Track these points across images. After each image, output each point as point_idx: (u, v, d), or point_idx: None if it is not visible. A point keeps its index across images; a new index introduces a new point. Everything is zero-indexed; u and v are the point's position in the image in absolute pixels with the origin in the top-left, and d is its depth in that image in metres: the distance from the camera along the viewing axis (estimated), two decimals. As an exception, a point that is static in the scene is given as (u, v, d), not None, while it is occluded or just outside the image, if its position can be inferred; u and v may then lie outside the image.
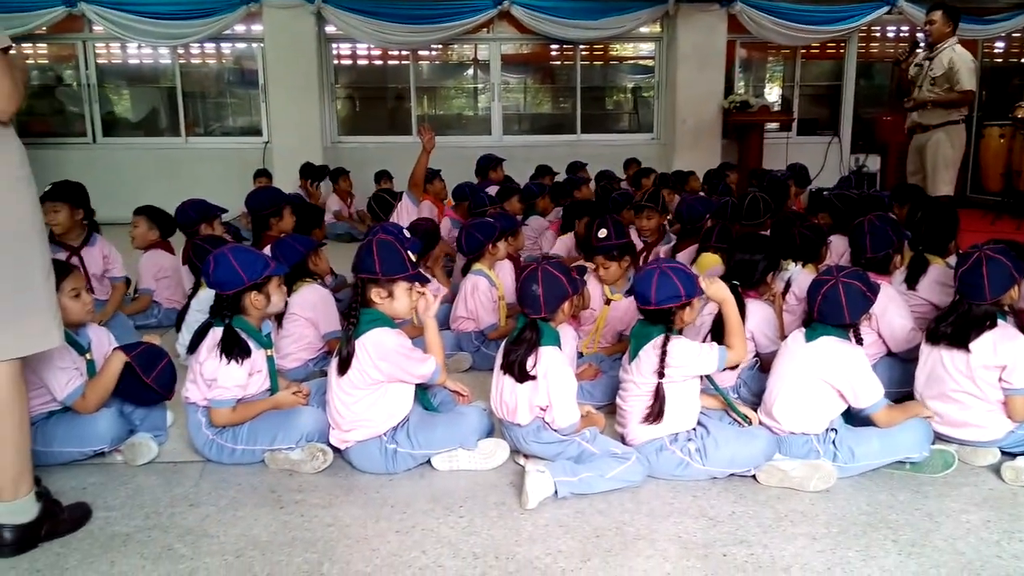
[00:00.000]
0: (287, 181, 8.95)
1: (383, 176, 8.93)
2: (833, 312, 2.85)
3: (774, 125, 10.57)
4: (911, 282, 3.83)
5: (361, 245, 2.94)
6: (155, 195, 9.52)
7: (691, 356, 2.83)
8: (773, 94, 11.46)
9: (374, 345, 2.79)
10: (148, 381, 2.98)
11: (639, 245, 5.26)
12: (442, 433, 2.90)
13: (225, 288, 2.94)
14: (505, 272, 4.43)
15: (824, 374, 2.83)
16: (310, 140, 9.74)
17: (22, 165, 2.26)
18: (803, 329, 2.94)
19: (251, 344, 2.95)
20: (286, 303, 3.32)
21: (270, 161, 9.84)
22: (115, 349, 3.03)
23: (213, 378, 2.89)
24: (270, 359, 3.08)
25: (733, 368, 3.11)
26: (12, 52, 2.20)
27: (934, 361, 2.99)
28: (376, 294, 2.87)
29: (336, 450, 2.95)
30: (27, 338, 2.26)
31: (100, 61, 10.31)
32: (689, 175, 7.97)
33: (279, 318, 3.57)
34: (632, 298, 3.93)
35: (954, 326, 2.91)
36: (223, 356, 2.87)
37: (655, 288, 2.82)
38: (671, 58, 10.31)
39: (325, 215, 8.00)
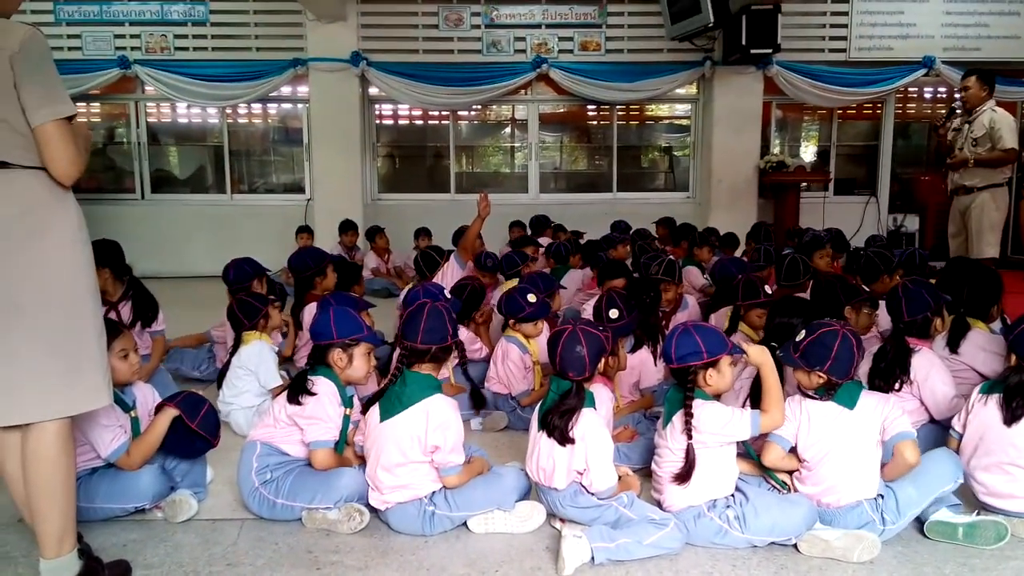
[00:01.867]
0: (328, 237, 9.10)
1: (422, 233, 9.02)
2: (844, 368, 2.79)
3: (811, 185, 10.54)
4: (952, 346, 3.77)
5: (413, 312, 3.00)
6: (200, 250, 9.90)
7: (720, 421, 2.78)
8: (809, 154, 11.46)
9: (437, 414, 2.83)
10: (194, 427, 3.05)
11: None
12: (480, 495, 2.89)
13: (317, 339, 3.20)
14: (540, 337, 4.41)
15: (873, 432, 2.77)
16: (351, 197, 9.91)
17: (81, 228, 2.35)
18: (830, 400, 2.84)
19: (333, 398, 3.11)
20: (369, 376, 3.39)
21: (312, 217, 10.02)
22: (160, 404, 3.09)
23: (313, 416, 3.03)
24: (346, 419, 3.16)
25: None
26: (76, 120, 2.31)
27: (986, 429, 2.92)
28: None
29: (373, 510, 2.95)
30: (79, 397, 2.31)
31: (150, 120, 10.62)
32: (722, 237, 7.85)
33: None
34: (635, 353, 3.97)
35: (1014, 396, 2.84)
36: (291, 397, 3.06)
37: (675, 346, 2.81)
38: (707, 118, 10.39)
39: (363, 271, 8.15)
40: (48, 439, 2.27)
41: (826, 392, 2.84)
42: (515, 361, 4.21)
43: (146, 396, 3.22)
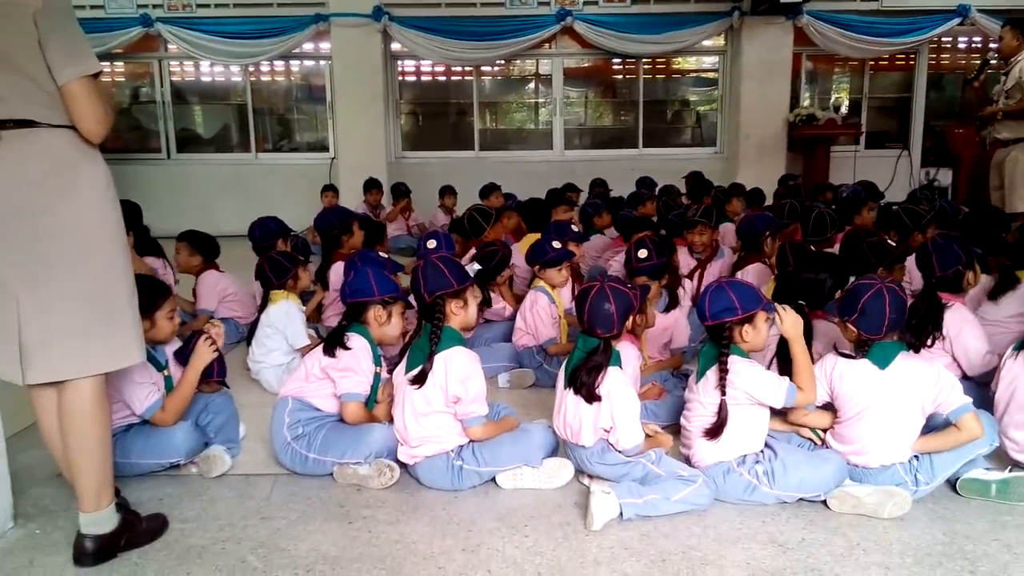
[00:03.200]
0: (352, 196, 9.10)
1: (447, 191, 9.00)
2: (874, 324, 2.74)
3: (842, 139, 10.36)
4: (995, 296, 3.72)
5: (420, 269, 3.00)
6: (225, 209, 9.93)
7: (755, 382, 2.76)
8: (840, 107, 11.24)
9: (458, 365, 2.85)
10: (215, 379, 3.18)
11: (692, 263, 5.21)
12: (508, 450, 2.91)
13: (355, 296, 3.22)
14: (564, 290, 4.44)
15: (913, 395, 2.74)
16: (375, 155, 9.88)
17: (108, 186, 2.36)
18: (863, 358, 2.80)
19: (367, 354, 3.15)
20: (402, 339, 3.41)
21: (336, 176, 10.02)
22: (188, 357, 3.11)
23: (347, 368, 3.08)
24: (376, 376, 3.20)
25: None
26: (101, 79, 2.30)
27: (1017, 386, 2.88)
28: (455, 305, 2.96)
29: (403, 465, 2.99)
30: (112, 354, 2.34)
31: (174, 79, 10.63)
32: (748, 192, 7.77)
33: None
34: (669, 313, 3.97)
35: None
36: (327, 349, 3.11)
37: (709, 302, 2.79)
38: (735, 71, 10.21)
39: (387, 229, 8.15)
40: (84, 395, 2.31)
41: (859, 349, 2.81)
42: (543, 308, 4.26)
43: (169, 354, 3.25)
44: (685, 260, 5.20)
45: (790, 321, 2.80)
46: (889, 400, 2.74)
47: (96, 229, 2.30)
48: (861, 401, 2.78)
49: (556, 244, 4.36)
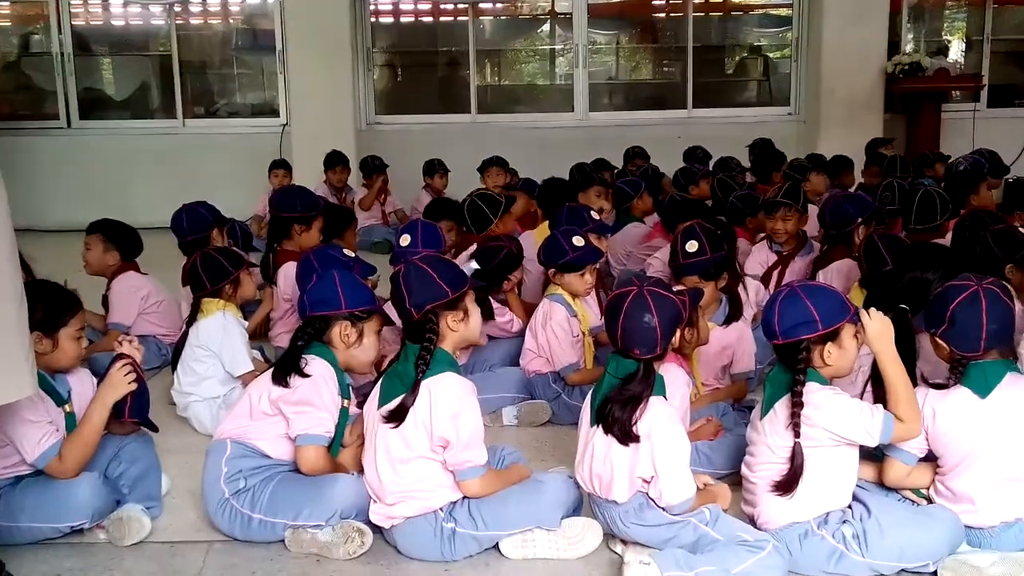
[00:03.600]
0: (310, 175, 9.06)
1: (436, 168, 9.01)
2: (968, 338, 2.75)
3: (956, 94, 10.33)
4: None
5: (402, 276, 3.00)
6: (143, 194, 9.95)
7: (840, 416, 2.75)
8: (955, 53, 11.22)
9: (446, 396, 2.86)
10: (126, 419, 3.15)
11: (772, 258, 5.22)
12: (515, 509, 2.91)
13: (316, 307, 3.21)
14: (589, 299, 4.44)
15: None
16: (340, 121, 9.89)
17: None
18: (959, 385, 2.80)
19: (331, 383, 3.13)
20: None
21: (288, 149, 10.03)
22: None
23: (304, 402, 3.05)
24: (343, 412, 3.20)
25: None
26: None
27: None
28: (452, 319, 2.97)
29: (377, 529, 2.99)
30: (-6, 386, 2.36)
31: (76, 24, 10.65)
32: (844, 164, 7.80)
33: None
34: (730, 327, 3.95)
35: None
36: (277, 376, 3.09)
37: (778, 314, 2.79)
38: (815, 6, 10.21)
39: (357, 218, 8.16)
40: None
41: (952, 373, 2.80)
42: (560, 324, 4.21)
43: (84, 385, 3.25)
44: (759, 258, 5.24)
45: (875, 329, 2.78)
46: (999, 437, 2.74)
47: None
48: (964, 443, 2.77)
49: (578, 241, 4.25)
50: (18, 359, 2.40)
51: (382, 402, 2.94)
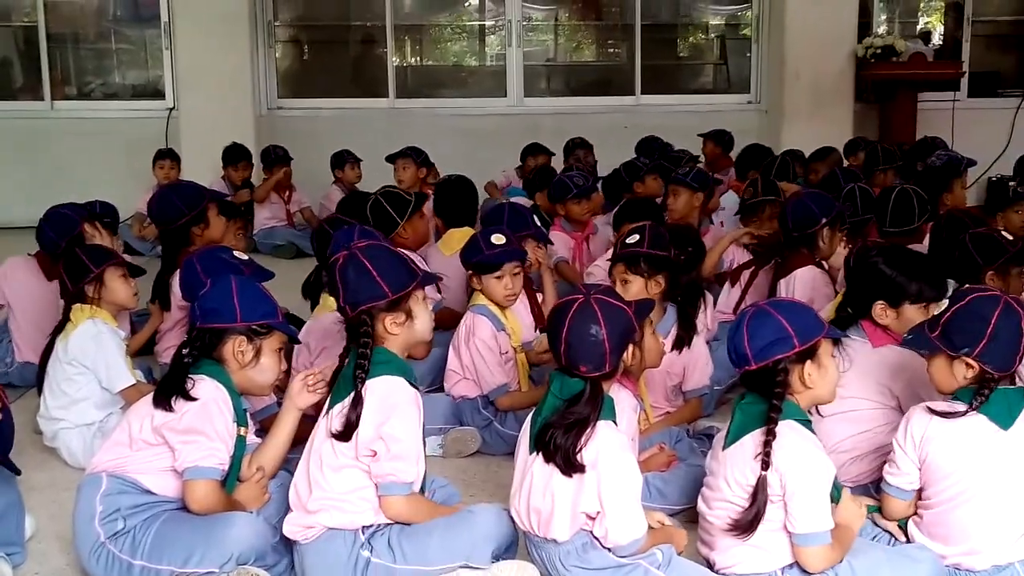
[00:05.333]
0: (203, 167, 8.96)
1: (346, 160, 8.97)
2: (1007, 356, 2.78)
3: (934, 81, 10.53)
4: None
5: (339, 267, 3.00)
6: (3, 188, 9.76)
7: (809, 462, 2.75)
8: (932, 36, 11.43)
9: (379, 399, 2.87)
10: None
11: (745, 256, 5.31)
12: (440, 542, 2.90)
13: (208, 319, 3.15)
14: (521, 308, 4.45)
15: None
16: (237, 104, 9.83)
17: None
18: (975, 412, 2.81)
19: (225, 408, 3.08)
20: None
21: (176, 137, 9.91)
22: None
23: (193, 430, 2.99)
24: (240, 441, 3.15)
25: None
26: None
27: None
28: (391, 322, 2.97)
29: (288, 546, 2.99)
30: None
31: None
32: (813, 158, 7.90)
33: None
34: (677, 345, 3.96)
35: None
36: (160, 399, 3.03)
37: (748, 335, 2.78)
38: (778, -19, 10.37)
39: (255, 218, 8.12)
40: None
41: (974, 399, 2.81)
42: (485, 340, 4.20)
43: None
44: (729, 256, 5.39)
45: (853, 511, 2.87)
46: (1012, 472, 2.77)
47: None
48: (968, 475, 2.80)
49: (498, 238, 4.22)
50: None
51: (330, 405, 2.97)
